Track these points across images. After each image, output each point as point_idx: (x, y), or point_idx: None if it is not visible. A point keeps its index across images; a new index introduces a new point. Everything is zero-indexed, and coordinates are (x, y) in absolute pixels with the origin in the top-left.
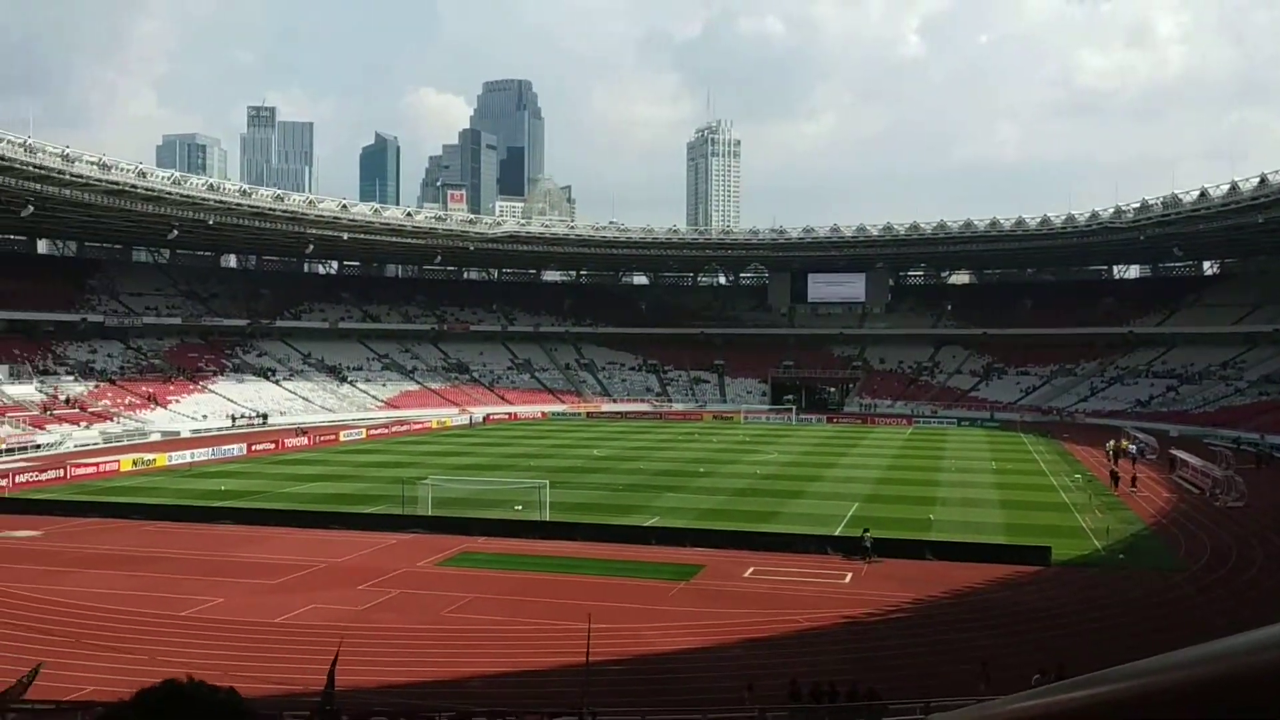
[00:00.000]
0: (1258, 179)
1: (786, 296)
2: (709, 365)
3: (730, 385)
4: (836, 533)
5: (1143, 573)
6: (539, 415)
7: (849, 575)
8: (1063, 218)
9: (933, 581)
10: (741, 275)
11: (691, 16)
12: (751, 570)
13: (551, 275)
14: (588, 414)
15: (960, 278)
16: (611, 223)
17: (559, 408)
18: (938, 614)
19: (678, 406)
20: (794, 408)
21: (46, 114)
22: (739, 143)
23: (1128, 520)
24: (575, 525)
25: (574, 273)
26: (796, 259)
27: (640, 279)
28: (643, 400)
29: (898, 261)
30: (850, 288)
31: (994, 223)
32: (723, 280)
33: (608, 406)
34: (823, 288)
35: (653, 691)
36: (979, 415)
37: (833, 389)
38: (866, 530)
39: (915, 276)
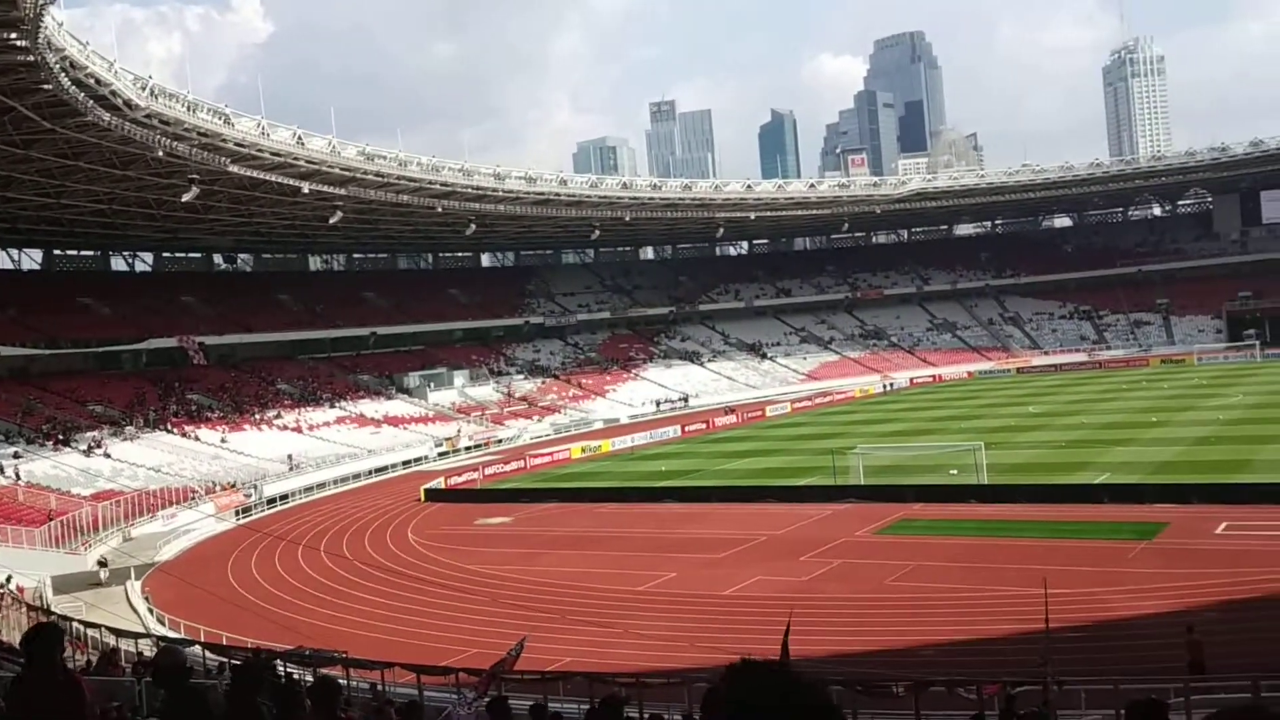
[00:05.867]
0: None
1: (1236, 220)
2: (1150, 305)
3: (1177, 325)
4: None
5: None
6: (964, 375)
7: None
8: None
9: None
10: (1179, 204)
11: None
12: (1224, 526)
13: (964, 229)
14: (1017, 370)
15: None
16: (1025, 165)
17: (985, 365)
18: None
19: (1118, 353)
20: (1257, 344)
21: (494, 138)
22: (1162, 59)
23: None
24: (1017, 487)
25: (988, 223)
26: (1245, 177)
27: (1062, 221)
28: (1077, 350)
29: None
30: None
31: None
32: (1157, 211)
33: (1038, 360)
34: None
35: (1120, 659)
36: None
37: None
38: None
39: None
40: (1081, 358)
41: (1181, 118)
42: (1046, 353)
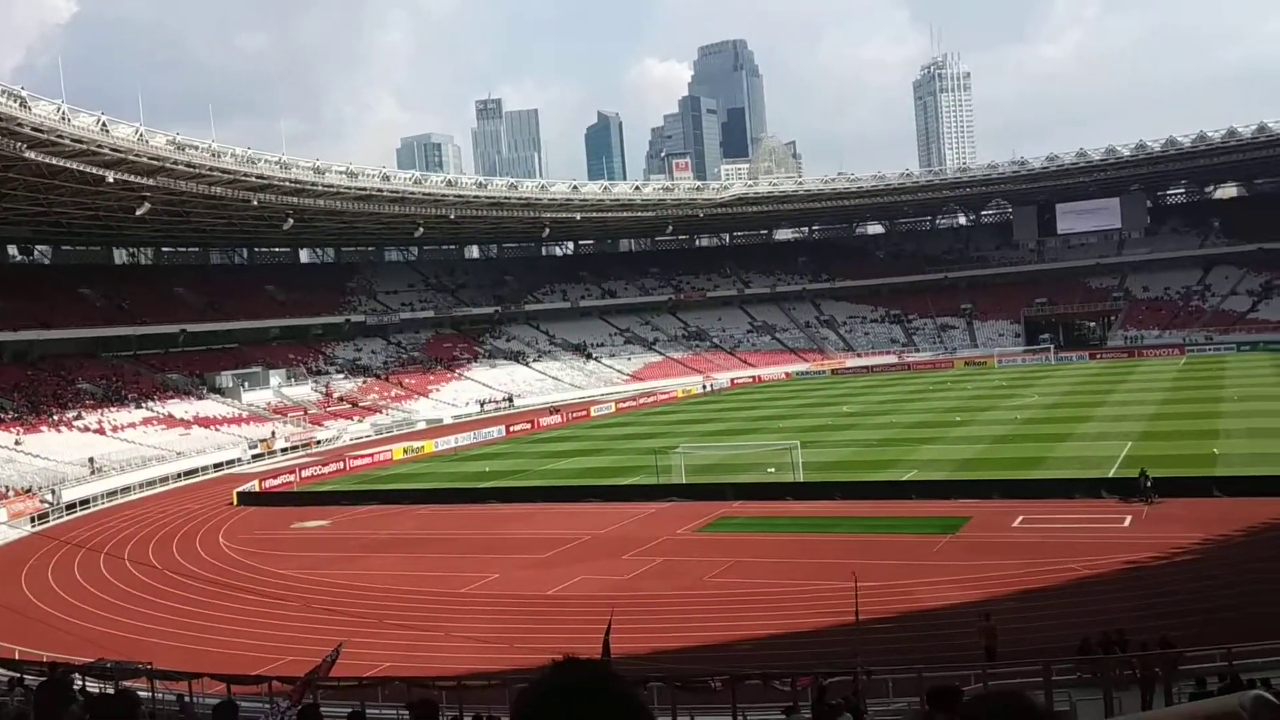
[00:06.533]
0: None
1: (1034, 231)
2: (955, 310)
3: (980, 329)
4: (1111, 475)
5: None
6: (782, 376)
7: (1128, 518)
8: None
9: (1223, 520)
10: (983, 214)
11: None
12: (1021, 519)
13: (784, 234)
14: (832, 371)
15: (1227, 191)
16: (841, 173)
17: (802, 367)
18: (1231, 554)
19: (925, 356)
20: (1051, 347)
21: (311, 130)
22: (969, 75)
23: None
24: (831, 484)
25: (806, 229)
26: (1041, 190)
27: (875, 228)
28: (888, 352)
29: (1154, 181)
30: (1103, 215)
31: (1261, 127)
32: (962, 221)
33: (852, 362)
34: (1073, 218)
35: (925, 648)
36: (1261, 338)
37: (1092, 324)
38: (1144, 470)
39: (1175, 195)
40: (892, 360)
41: (987, 134)
42: (859, 354)
